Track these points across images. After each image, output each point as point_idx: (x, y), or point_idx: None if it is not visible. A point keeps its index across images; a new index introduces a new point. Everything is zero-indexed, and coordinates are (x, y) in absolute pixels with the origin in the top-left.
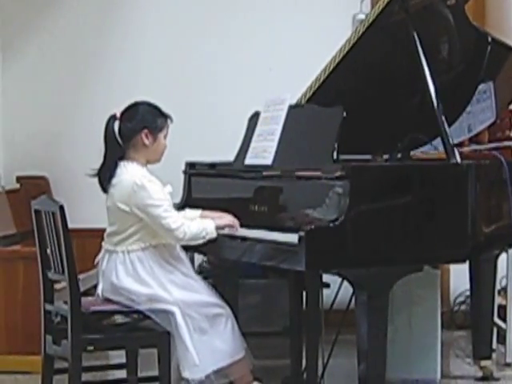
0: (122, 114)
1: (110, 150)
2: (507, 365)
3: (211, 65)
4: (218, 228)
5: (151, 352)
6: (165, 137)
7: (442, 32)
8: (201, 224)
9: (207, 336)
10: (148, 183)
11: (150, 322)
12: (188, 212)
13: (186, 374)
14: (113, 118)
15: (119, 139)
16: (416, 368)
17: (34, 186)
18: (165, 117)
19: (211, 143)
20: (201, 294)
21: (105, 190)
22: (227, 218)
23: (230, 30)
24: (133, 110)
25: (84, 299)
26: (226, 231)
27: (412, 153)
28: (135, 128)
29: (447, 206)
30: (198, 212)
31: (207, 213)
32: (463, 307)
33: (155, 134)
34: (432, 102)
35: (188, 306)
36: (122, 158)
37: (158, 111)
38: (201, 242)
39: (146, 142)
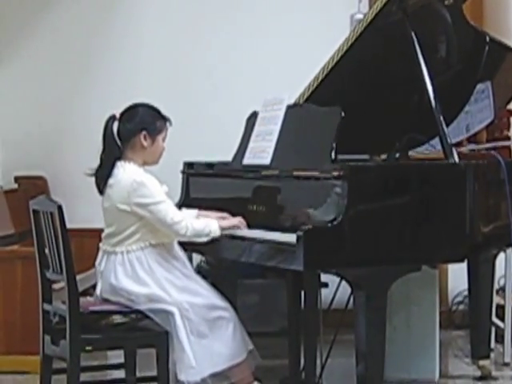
0: (122, 114)
1: (108, 150)
2: (505, 364)
3: (209, 65)
4: (223, 229)
5: (150, 352)
6: (163, 139)
7: (439, 32)
8: (204, 221)
9: (206, 340)
10: (147, 180)
11: (148, 322)
12: (184, 212)
13: (181, 377)
14: (112, 118)
15: (117, 140)
16: (414, 368)
17: (32, 186)
18: (164, 120)
19: (209, 143)
20: (201, 296)
21: (101, 191)
22: (236, 219)
23: (228, 30)
24: (132, 111)
25: (82, 299)
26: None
27: (410, 152)
28: (134, 129)
29: (445, 205)
30: (194, 211)
31: (204, 213)
32: (461, 307)
33: (154, 136)
34: (430, 102)
35: (187, 310)
36: (119, 158)
37: (157, 114)
38: (204, 239)
39: (145, 143)
